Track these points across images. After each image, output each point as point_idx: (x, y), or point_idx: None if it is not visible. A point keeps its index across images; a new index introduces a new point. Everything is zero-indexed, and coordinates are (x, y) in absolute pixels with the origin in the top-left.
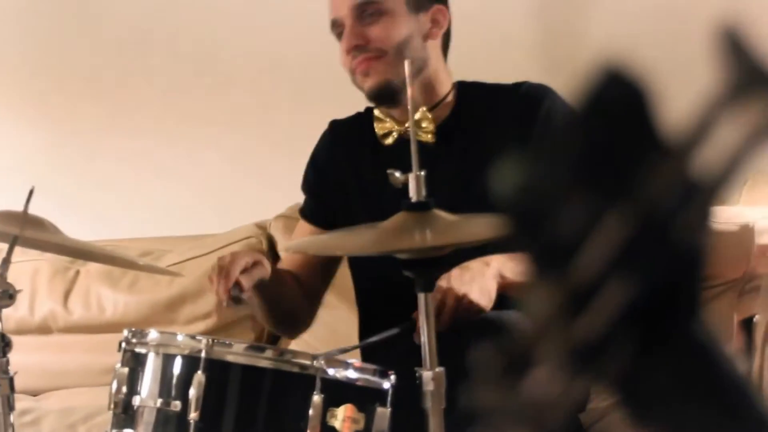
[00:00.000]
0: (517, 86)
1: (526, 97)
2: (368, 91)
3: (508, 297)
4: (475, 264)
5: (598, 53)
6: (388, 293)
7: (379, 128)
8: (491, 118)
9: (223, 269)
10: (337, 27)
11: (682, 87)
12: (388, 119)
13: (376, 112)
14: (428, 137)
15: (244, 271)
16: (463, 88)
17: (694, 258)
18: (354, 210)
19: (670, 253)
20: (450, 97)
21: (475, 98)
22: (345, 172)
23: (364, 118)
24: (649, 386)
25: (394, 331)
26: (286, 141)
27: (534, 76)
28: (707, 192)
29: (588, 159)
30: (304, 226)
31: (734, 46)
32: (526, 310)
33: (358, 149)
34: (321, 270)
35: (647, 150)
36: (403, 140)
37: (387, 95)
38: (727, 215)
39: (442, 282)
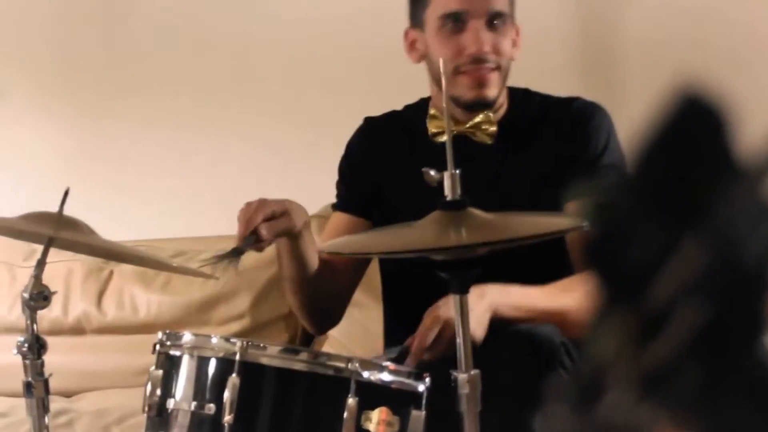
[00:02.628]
0: (570, 101)
1: (577, 113)
2: (476, 99)
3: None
4: (470, 297)
5: (676, 79)
6: (415, 291)
7: (434, 126)
8: (543, 127)
9: (246, 214)
10: (455, 19)
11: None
12: (442, 117)
13: (433, 110)
14: (487, 139)
15: (269, 219)
16: (515, 93)
17: (761, 279)
18: (390, 208)
19: (740, 278)
20: (504, 101)
21: (528, 105)
22: (381, 169)
23: (401, 117)
24: (716, 410)
25: (391, 356)
26: (319, 142)
27: (570, 74)
28: None
29: (664, 186)
30: (338, 218)
31: None
32: (597, 335)
33: (396, 147)
34: (354, 266)
35: (723, 175)
36: (457, 139)
37: (485, 106)
38: None
39: (441, 312)
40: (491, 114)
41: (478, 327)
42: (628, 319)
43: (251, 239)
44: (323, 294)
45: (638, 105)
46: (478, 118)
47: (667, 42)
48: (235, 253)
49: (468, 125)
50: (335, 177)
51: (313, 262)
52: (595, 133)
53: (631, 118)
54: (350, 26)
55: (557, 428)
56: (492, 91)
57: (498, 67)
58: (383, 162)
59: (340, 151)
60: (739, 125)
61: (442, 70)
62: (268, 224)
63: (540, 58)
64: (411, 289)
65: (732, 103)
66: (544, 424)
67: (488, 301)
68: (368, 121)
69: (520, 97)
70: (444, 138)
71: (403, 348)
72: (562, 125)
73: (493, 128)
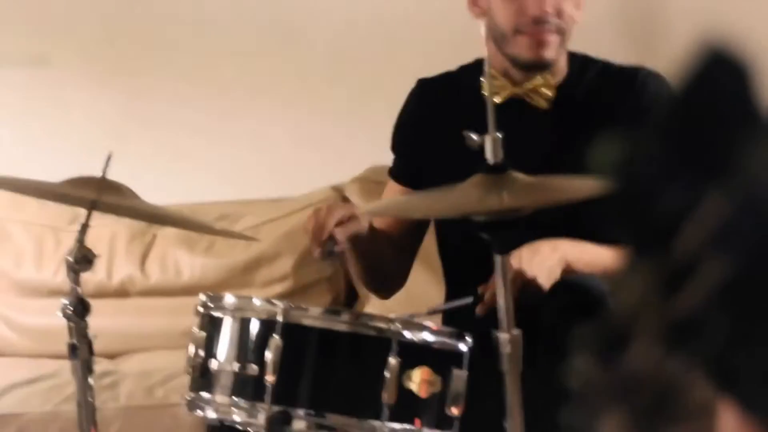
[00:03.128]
0: (634, 71)
1: (641, 85)
2: (534, 60)
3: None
4: (545, 248)
5: (700, 34)
6: (470, 255)
7: (489, 86)
8: (604, 95)
9: (318, 221)
10: None
11: None
12: (502, 77)
13: (491, 70)
14: (543, 103)
15: (339, 224)
16: (574, 58)
17: None
18: (442, 170)
19: (765, 228)
20: (564, 66)
21: (589, 72)
22: (435, 135)
23: (456, 77)
24: (744, 363)
25: (465, 300)
26: (363, 102)
27: (617, 51)
28: None
29: (690, 138)
30: (392, 186)
31: None
32: (624, 286)
33: (450, 109)
34: (413, 228)
35: (748, 129)
36: (512, 102)
37: (542, 67)
38: None
39: (514, 261)
40: (549, 77)
41: (549, 279)
42: (654, 270)
43: (331, 244)
44: (386, 266)
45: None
46: (537, 81)
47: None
48: (329, 255)
49: (524, 87)
50: (381, 138)
51: (377, 249)
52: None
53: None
54: None
55: (583, 379)
56: (551, 53)
57: (559, 30)
58: (437, 127)
59: (387, 110)
60: (764, 77)
61: (484, 31)
62: (341, 229)
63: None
64: (464, 253)
65: (757, 55)
66: (569, 375)
67: (561, 255)
68: (422, 82)
69: (579, 62)
70: (500, 99)
71: (475, 295)
72: (624, 96)
73: (551, 93)
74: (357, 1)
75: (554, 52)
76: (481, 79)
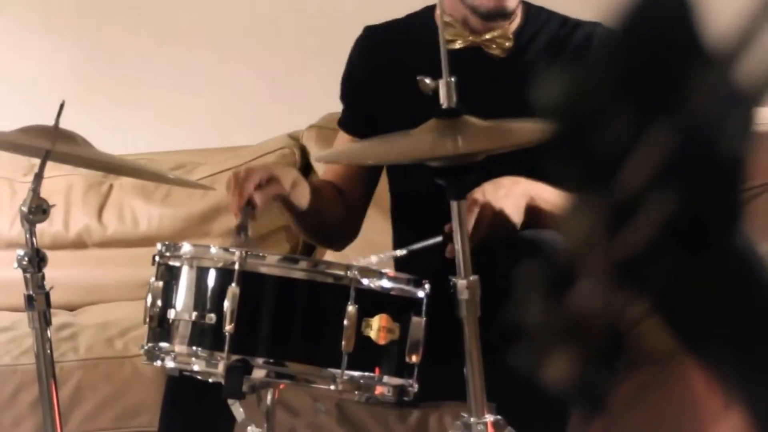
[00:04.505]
0: (592, 26)
1: (599, 41)
2: (495, 9)
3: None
4: (506, 181)
5: None
6: (423, 202)
7: (447, 34)
8: (559, 50)
9: (237, 185)
10: None
11: None
12: (457, 25)
13: (447, 18)
14: (499, 52)
15: (258, 187)
16: (530, 8)
17: (736, 169)
18: (394, 118)
19: (713, 165)
20: (518, 14)
21: (545, 24)
22: (382, 84)
23: (404, 25)
24: (690, 300)
25: (436, 239)
26: (319, 50)
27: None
28: (750, 102)
29: (632, 70)
30: (342, 137)
31: None
32: (569, 225)
33: (398, 57)
34: (363, 179)
35: (691, 62)
36: (469, 50)
37: (504, 16)
38: (765, 115)
39: (478, 195)
40: (508, 28)
41: (516, 210)
42: (599, 206)
43: (248, 209)
44: (332, 221)
45: None
46: (496, 32)
47: None
48: (242, 229)
49: (484, 37)
50: (338, 86)
51: (316, 207)
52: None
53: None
54: None
55: (529, 317)
56: (512, 3)
57: None
58: (387, 74)
59: (343, 58)
60: (708, 12)
61: None
62: (260, 192)
63: None
64: (417, 201)
65: None
66: (516, 312)
67: (524, 187)
68: (369, 29)
69: (535, 13)
70: (457, 45)
71: (442, 234)
72: (581, 51)
73: (509, 43)
74: None
75: (515, 2)
76: (436, 23)
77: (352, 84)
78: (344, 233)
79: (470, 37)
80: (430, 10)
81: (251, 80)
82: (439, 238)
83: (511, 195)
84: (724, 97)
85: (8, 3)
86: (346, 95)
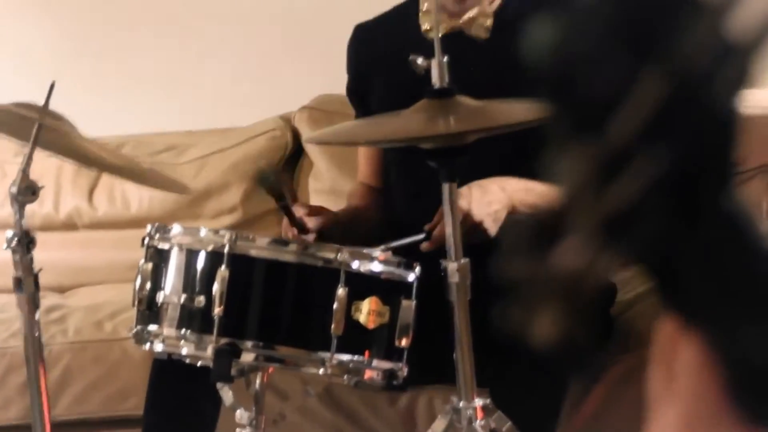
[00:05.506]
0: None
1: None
2: None
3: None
4: (494, 186)
5: None
6: (416, 187)
7: (427, 22)
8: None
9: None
10: None
11: None
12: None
13: (426, 5)
14: (482, 33)
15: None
16: None
17: (727, 124)
18: (386, 108)
19: (704, 117)
20: None
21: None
22: (375, 77)
23: (391, 17)
24: (679, 261)
25: (418, 236)
26: (310, 32)
27: None
28: (742, 53)
29: (623, 19)
30: None
31: None
32: (557, 176)
33: (388, 50)
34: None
35: (683, 10)
36: (451, 35)
37: None
38: (758, 98)
39: (463, 202)
40: (486, 5)
41: (494, 224)
42: (587, 156)
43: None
44: (378, 224)
45: None
46: (473, 12)
47: None
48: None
49: (462, 19)
50: (329, 67)
51: (364, 226)
52: None
53: None
54: None
55: (514, 273)
56: None
57: None
58: (380, 69)
59: (335, 39)
60: None
61: None
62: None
63: None
64: (410, 185)
65: None
66: (501, 268)
67: (508, 196)
68: (358, 27)
69: None
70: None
71: (424, 233)
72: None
73: (489, 21)
74: None
75: None
76: (420, 12)
77: (354, 82)
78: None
79: (450, 22)
80: (413, 0)
81: (242, 61)
82: (421, 236)
83: (494, 207)
84: (717, 48)
85: None
86: (351, 95)
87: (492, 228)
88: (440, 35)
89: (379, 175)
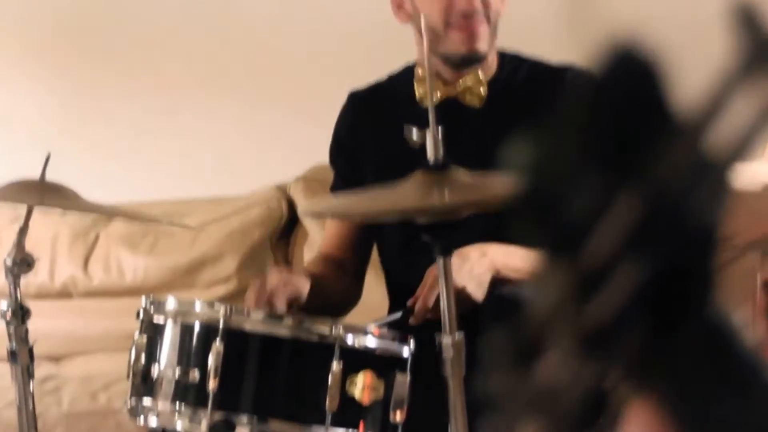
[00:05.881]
0: (564, 70)
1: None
2: (468, 53)
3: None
4: (473, 253)
5: (610, 30)
6: (410, 260)
7: (422, 89)
8: (535, 93)
9: (256, 292)
10: None
11: (695, 58)
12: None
13: (420, 71)
14: (476, 101)
15: (275, 291)
16: (504, 55)
17: (707, 238)
18: (379, 177)
19: (683, 234)
20: (494, 61)
21: (520, 69)
22: (369, 147)
23: (386, 86)
24: (662, 371)
25: (395, 315)
26: (306, 102)
27: (556, 51)
28: (720, 170)
29: (600, 138)
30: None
31: (747, 21)
32: (536, 294)
33: (383, 119)
34: (359, 246)
35: (660, 129)
36: (445, 103)
37: (475, 61)
38: (749, 173)
39: None
40: (481, 73)
41: (479, 288)
42: (567, 274)
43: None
44: (337, 296)
45: None
46: (469, 81)
47: None
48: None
49: (457, 88)
50: (325, 137)
51: (325, 294)
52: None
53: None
54: None
55: (495, 388)
56: (483, 44)
57: (488, 19)
58: (373, 138)
59: (331, 110)
60: (677, 78)
61: (423, 26)
62: (279, 297)
63: (525, 16)
64: (405, 259)
65: (669, 55)
66: (482, 383)
67: (490, 261)
68: (353, 95)
69: (509, 60)
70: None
71: (405, 309)
72: (555, 95)
73: (483, 89)
74: (300, 2)
75: (486, 44)
76: (414, 82)
77: (341, 149)
78: (348, 302)
79: (445, 89)
80: (408, 69)
81: (239, 130)
82: (399, 314)
83: (476, 272)
84: (694, 166)
85: None
86: (335, 161)
87: (476, 292)
88: (435, 103)
89: (342, 247)
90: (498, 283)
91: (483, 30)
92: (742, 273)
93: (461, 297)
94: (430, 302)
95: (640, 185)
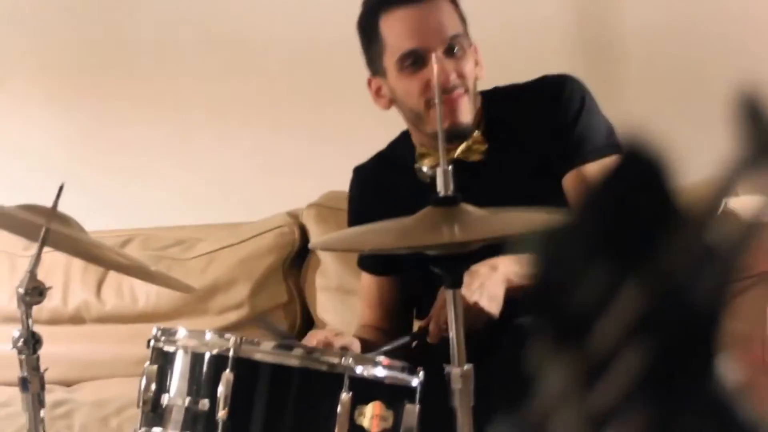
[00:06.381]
0: (538, 81)
1: (548, 87)
2: (451, 127)
3: (516, 301)
4: (483, 269)
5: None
6: (428, 293)
7: (426, 162)
8: (519, 118)
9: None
10: (415, 57)
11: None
12: (431, 152)
13: (420, 148)
14: (480, 157)
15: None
16: (485, 96)
17: (711, 324)
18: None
19: (687, 322)
20: (479, 113)
21: (502, 102)
22: (380, 213)
23: (387, 157)
24: None
25: (404, 339)
26: (319, 128)
27: (565, 65)
28: (725, 260)
29: (607, 231)
30: (366, 278)
31: (752, 114)
32: (543, 380)
33: (390, 187)
34: (398, 315)
35: (664, 221)
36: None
37: (463, 133)
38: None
39: None
40: (477, 135)
41: (492, 302)
42: (573, 361)
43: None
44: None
45: (637, 97)
46: (467, 143)
47: (667, 27)
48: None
49: (458, 151)
50: (337, 164)
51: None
52: (569, 102)
53: (629, 110)
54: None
55: None
56: (466, 116)
57: (466, 90)
58: (382, 208)
59: (344, 137)
60: (682, 172)
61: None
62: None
63: (537, 50)
64: (416, 285)
65: (675, 150)
66: None
67: (502, 273)
68: (357, 170)
69: (490, 98)
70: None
71: (419, 329)
72: (537, 107)
73: (483, 146)
74: (316, 27)
75: (468, 115)
76: (413, 145)
77: (358, 218)
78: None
79: (447, 155)
80: (407, 135)
81: (252, 157)
82: (407, 338)
83: (487, 285)
84: (699, 257)
85: (9, 75)
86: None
87: (489, 306)
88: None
89: (384, 318)
90: (514, 291)
91: (463, 102)
92: (752, 305)
93: (474, 312)
94: (443, 321)
95: (645, 276)
